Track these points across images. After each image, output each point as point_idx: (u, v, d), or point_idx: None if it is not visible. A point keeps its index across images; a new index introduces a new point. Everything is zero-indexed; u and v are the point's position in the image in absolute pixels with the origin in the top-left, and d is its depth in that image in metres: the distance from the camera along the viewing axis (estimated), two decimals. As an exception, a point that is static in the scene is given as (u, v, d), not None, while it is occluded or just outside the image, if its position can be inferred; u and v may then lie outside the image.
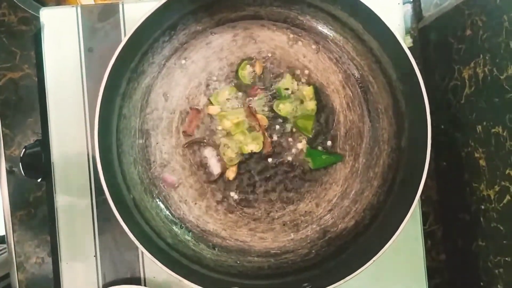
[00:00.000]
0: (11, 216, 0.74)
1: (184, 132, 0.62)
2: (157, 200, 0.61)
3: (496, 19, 0.56)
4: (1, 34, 0.76)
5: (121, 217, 0.51)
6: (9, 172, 0.75)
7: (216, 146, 0.62)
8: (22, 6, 0.69)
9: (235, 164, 0.62)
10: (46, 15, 0.63)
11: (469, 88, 0.63)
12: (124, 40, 0.51)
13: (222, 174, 0.62)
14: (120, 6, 0.63)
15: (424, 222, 0.72)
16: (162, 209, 0.61)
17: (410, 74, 0.53)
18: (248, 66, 0.63)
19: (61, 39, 0.63)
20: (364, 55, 0.61)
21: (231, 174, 0.62)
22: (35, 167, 0.66)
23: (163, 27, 0.57)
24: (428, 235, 0.73)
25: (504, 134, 0.56)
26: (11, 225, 0.74)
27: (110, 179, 0.53)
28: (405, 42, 0.63)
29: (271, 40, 0.63)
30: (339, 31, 0.61)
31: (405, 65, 0.53)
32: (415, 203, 0.52)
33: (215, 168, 0.62)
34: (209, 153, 0.62)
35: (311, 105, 0.63)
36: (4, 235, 0.75)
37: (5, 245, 0.76)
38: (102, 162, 0.52)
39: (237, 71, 0.63)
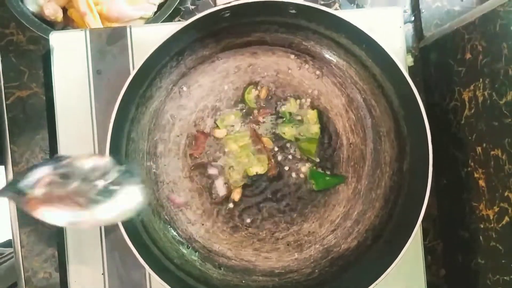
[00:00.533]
0: (19, 231, 0.75)
1: (191, 155, 0.63)
2: (165, 221, 0.62)
3: (496, 45, 0.57)
4: (10, 53, 0.77)
5: (130, 240, 0.52)
6: (18, 188, 0.76)
7: (222, 169, 0.63)
8: (31, 28, 0.70)
9: (240, 186, 0.63)
10: (56, 38, 0.65)
11: (469, 109, 0.64)
12: (133, 71, 0.52)
13: (228, 195, 0.64)
14: (128, 29, 0.64)
15: (424, 238, 0.73)
16: (169, 230, 0.62)
17: (411, 102, 0.54)
18: (253, 90, 0.64)
19: (70, 61, 0.64)
20: (366, 80, 0.62)
21: (236, 195, 0.63)
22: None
23: (171, 54, 0.59)
24: (428, 251, 0.74)
25: (503, 157, 0.57)
26: (19, 241, 0.75)
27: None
28: (406, 61, 0.65)
29: (275, 64, 0.64)
30: (342, 56, 0.62)
31: (407, 93, 0.54)
32: (417, 227, 0.54)
33: (221, 190, 0.64)
34: (215, 175, 0.64)
35: (315, 128, 0.64)
36: (10, 240, 0.77)
37: (11, 249, 0.77)
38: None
39: (243, 95, 0.64)
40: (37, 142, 0.77)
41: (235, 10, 0.53)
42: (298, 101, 0.64)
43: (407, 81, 0.53)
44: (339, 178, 0.64)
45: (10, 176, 0.76)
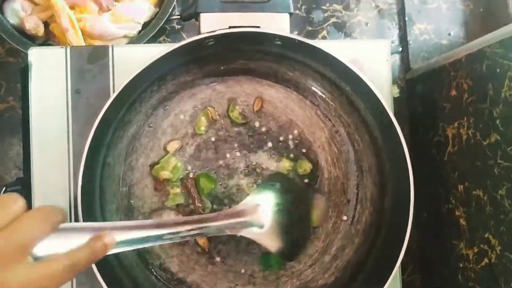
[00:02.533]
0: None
1: (155, 189, 0.62)
2: (138, 250, 0.60)
3: (481, 85, 0.57)
4: (-13, 65, 0.76)
5: (100, 274, 0.50)
6: (-12, 205, 0.74)
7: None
8: (10, 42, 0.69)
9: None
10: (35, 54, 0.63)
11: (452, 146, 0.64)
12: (113, 95, 0.50)
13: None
14: (110, 49, 0.63)
15: (403, 271, 0.72)
16: (142, 259, 0.60)
17: (395, 140, 0.54)
18: (236, 106, 0.63)
19: (49, 79, 0.62)
20: (351, 114, 0.61)
21: (203, 241, 0.62)
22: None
23: (152, 78, 0.57)
24: (406, 285, 0.73)
25: (485, 198, 0.57)
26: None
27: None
28: (392, 92, 0.64)
29: (259, 93, 0.63)
30: (327, 89, 0.61)
31: (390, 131, 0.54)
32: (396, 267, 0.53)
33: None
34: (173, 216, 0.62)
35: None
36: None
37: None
38: (84, 213, 0.52)
39: (228, 115, 0.63)
40: (12, 157, 0.75)
41: (219, 38, 0.51)
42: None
43: (390, 119, 0.53)
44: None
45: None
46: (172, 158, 0.61)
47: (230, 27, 0.51)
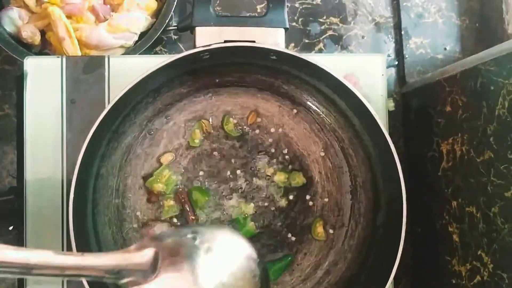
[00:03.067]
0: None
1: (148, 201, 0.62)
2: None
3: (476, 102, 0.57)
4: (-17, 72, 0.75)
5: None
6: (-20, 213, 0.74)
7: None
8: (6, 50, 0.68)
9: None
10: (31, 63, 0.63)
11: (447, 162, 0.64)
12: (108, 106, 0.50)
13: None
14: (106, 59, 0.63)
15: (396, 285, 0.72)
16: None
17: (388, 156, 0.54)
18: (231, 119, 0.63)
19: (44, 88, 0.62)
20: (345, 129, 0.61)
21: None
22: (7, 215, 0.65)
23: (147, 90, 0.57)
24: (398, 300, 0.73)
25: (478, 215, 0.57)
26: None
27: (82, 240, 0.52)
28: (387, 106, 0.64)
29: (254, 106, 0.63)
30: (322, 103, 0.61)
31: (384, 147, 0.54)
32: (389, 284, 0.53)
33: None
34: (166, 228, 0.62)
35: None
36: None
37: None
38: (75, 225, 0.51)
39: (222, 127, 0.63)
40: (5, 166, 0.74)
41: (215, 52, 0.52)
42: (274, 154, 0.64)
43: (385, 136, 0.53)
44: (286, 259, 0.63)
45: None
46: (165, 170, 0.61)
47: (225, 41, 0.52)
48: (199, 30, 0.53)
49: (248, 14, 0.76)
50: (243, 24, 0.53)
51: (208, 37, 0.53)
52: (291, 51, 0.51)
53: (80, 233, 0.53)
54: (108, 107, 0.50)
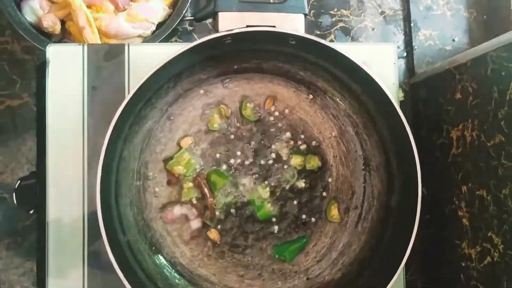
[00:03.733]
0: (-2, 243, 0.74)
1: (168, 183, 0.63)
2: (150, 242, 0.62)
3: (486, 88, 0.58)
4: (3, 61, 0.77)
5: (116, 261, 0.51)
6: (0, 198, 0.75)
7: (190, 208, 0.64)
8: (28, 38, 0.70)
9: (215, 227, 0.64)
10: (53, 51, 0.64)
11: (456, 148, 0.65)
12: (132, 90, 0.52)
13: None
14: (126, 47, 0.64)
15: (406, 271, 0.73)
16: (154, 251, 0.62)
17: (404, 139, 0.55)
18: (248, 104, 0.65)
19: (66, 75, 0.64)
20: (360, 114, 0.63)
21: (214, 235, 0.63)
22: (29, 199, 0.66)
23: (169, 75, 0.59)
24: (408, 285, 0.74)
25: (488, 198, 0.58)
26: (-4, 253, 0.74)
27: (107, 221, 0.53)
28: (397, 95, 0.66)
29: (271, 92, 0.65)
30: (337, 89, 0.63)
31: (399, 130, 0.55)
32: (402, 265, 0.54)
33: (194, 223, 0.64)
34: (185, 210, 0.64)
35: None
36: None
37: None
38: (102, 205, 0.53)
39: (240, 113, 0.65)
40: (24, 153, 0.76)
41: (237, 37, 0.53)
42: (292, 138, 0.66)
43: (400, 119, 0.54)
44: (301, 240, 0.65)
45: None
46: (185, 154, 0.63)
47: (247, 26, 0.53)
48: (221, 15, 0.55)
49: (269, 0, 0.78)
50: (264, 9, 0.55)
51: (230, 22, 0.54)
52: (310, 36, 0.53)
53: (105, 213, 0.54)
54: (133, 90, 0.52)
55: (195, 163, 0.64)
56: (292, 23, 0.55)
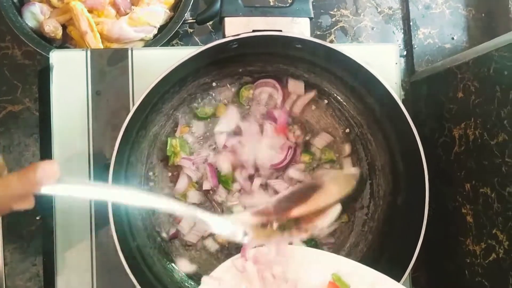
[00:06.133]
0: (3, 248, 0.74)
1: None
2: (159, 246, 0.62)
3: (489, 88, 0.59)
4: (4, 67, 0.76)
5: (127, 264, 0.51)
6: (5, 204, 0.75)
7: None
8: (30, 44, 0.70)
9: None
10: (56, 56, 0.64)
11: (459, 147, 0.66)
12: (141, 97, 0.52)
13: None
14: (130, 51, 0.64)
15: (410, 268, 0.74)
16: (163, 255, 0.62)
17: (409, 138, 0.56)
18: (250, 90, 0.66)
19: (70, 81, 0.64)
20: (364, 114, 0.63)
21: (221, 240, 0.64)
22: (35, 204, 0.66)
23: (174, 80, 0.59)
24: (412, 281, 0.75)
25: (493, 195, 0.59)
26: (2, 258, 0.73)
27: (119, 227, 0.54)
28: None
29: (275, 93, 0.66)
30: (341, 90, 0.63)
31: (404, 129, 0.56)
32: (410, 265, 0.55)
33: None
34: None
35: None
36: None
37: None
38: (113, 210, 0.53)
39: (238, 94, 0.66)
40: (28, 158, 0.76)
41: (243, 41, 0.53)
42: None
43: (405, 117, 0.55)
44: (310, 242, 0.65)
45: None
46: (174, 140, 0.64)
47: (253, 31, 0.53)
48: (228, 21, 0.55)
49: (275, 5, 0.78)
50: (270, 14, 0.56)
51: (237, 27, 0.55)
52: (317, 40, 0.53)
53: (116, 219, 0.54)
54: (143, 95, 0.52)
55: (187, 142, 0.64)
56: (298, 27, 0.56)
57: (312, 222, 0.58)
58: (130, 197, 0.47)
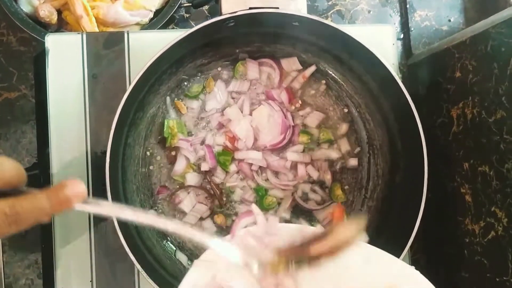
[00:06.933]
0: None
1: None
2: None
3: (486, 65, 0.59)
4: (-1, 53, 0.76)
5: (128, 246, 0.51)
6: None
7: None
8: (25, 29, 0.69)
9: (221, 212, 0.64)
10: (52, 40, 0.64)
11: (457, 126, 0.66)
12: (136, 76, 0.52)
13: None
14: (126, 34, 0.64)
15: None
16: (162, 237, 0.62)
17: (407, 116, 0.56)
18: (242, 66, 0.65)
19: (66, 64, 0.63)
20: (362, 94, 0.63)
21: (221, 220, 0.64)
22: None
23: (171, 61, 0.59)
24: (411, 263, 0.75)
25: (491, 173, 0.59)
26: (0, 246, 0.73)
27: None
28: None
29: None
30: (339, 70, 0.63)
31: (403, 108, 0.56)
32: (409, 243, 0.55)
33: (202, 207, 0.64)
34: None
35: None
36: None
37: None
38: (112, 191, 0.53)
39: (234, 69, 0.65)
40: (24, 145, 0.75)
41: (240, 19, 0.53)
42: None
43: (404, 96, 0.55)
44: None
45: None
46: (170, 121, 0.64)
47: (250, 8, 0.53)
48: (224, -2, 0.55)
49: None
50: (267, -9, 0.55)
51: (233, 5, 0.54)
52: (314, 16, 0.53)
53: (115, 200, 0.54)
54: (139, 74, 0.52)
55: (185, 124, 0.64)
56: (295, 4, 0.55)
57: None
58: (156, 222, 0.44)
